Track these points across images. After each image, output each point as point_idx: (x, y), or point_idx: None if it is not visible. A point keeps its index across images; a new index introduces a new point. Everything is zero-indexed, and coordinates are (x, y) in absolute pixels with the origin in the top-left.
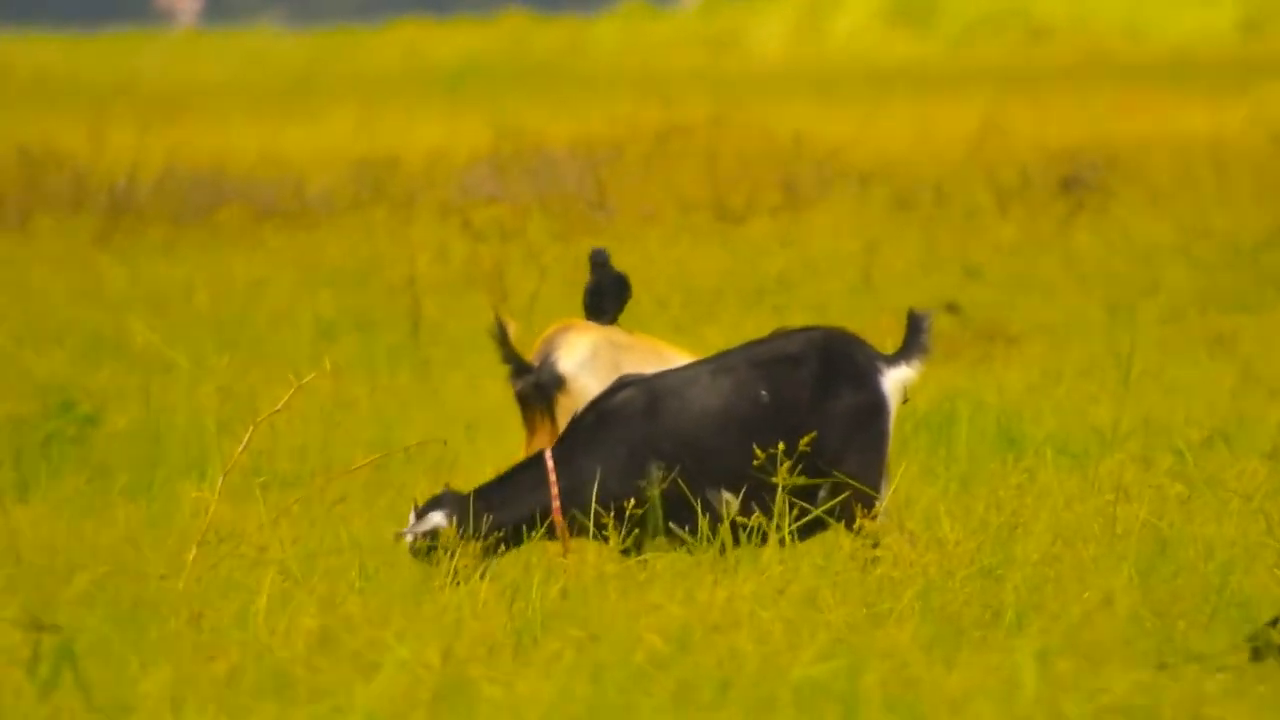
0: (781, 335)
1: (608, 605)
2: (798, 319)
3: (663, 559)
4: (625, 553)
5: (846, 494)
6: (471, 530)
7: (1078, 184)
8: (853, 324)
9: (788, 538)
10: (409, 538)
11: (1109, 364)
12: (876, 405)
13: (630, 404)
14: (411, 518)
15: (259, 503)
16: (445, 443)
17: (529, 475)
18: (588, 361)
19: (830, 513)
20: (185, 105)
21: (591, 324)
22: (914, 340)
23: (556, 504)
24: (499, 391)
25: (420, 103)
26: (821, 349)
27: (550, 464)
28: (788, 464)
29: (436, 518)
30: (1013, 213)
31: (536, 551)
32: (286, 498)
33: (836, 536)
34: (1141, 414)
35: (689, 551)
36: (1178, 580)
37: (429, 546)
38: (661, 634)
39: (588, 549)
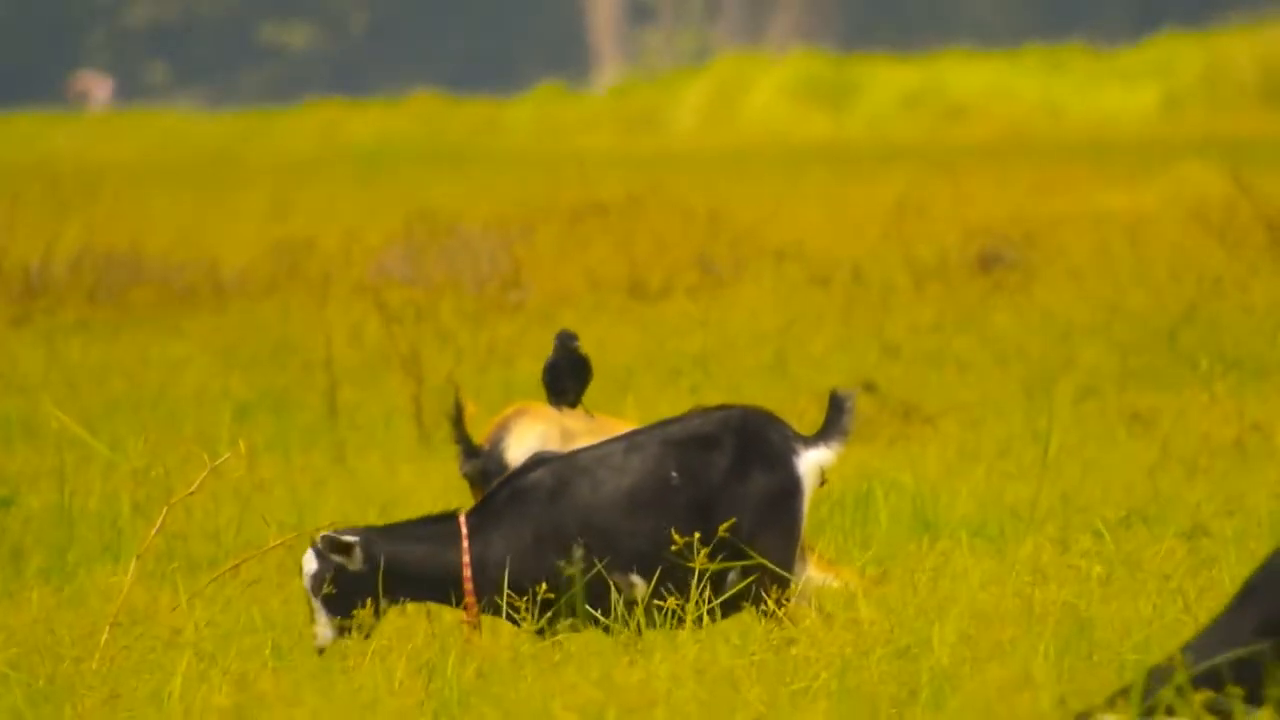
0: (698, 414)
1: (523, 685)
2: (714, 398)
3: (578, 639)
4: (540, 633)
5: (757, 576)
6: (376, 563)
7: (996, 262)
8: (769, 403)
9: (704, 618)
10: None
11: (1026, 443)
12: (791, 487)
13: (540, 484)
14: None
15: (173, 585)
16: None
17: (442, 530)
18: (535, 450)
19: (745, 595)
20: (100, 186)
21: (546, 409)
22: (835, 421)
23: (468, 571)
24: (414, 473)
25: (335, 184)
26: (737, 429)
27: (464, 528)
28: (706, 549)
29: (350, 538)
30: (930, 291)
31: (453, 632)
32: (200, 579)
33: (752, 617)
34: (1059, 493)
35: (605, 631)
36: (1095, 659)
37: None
38: (577, 714)
39: (501, 628)
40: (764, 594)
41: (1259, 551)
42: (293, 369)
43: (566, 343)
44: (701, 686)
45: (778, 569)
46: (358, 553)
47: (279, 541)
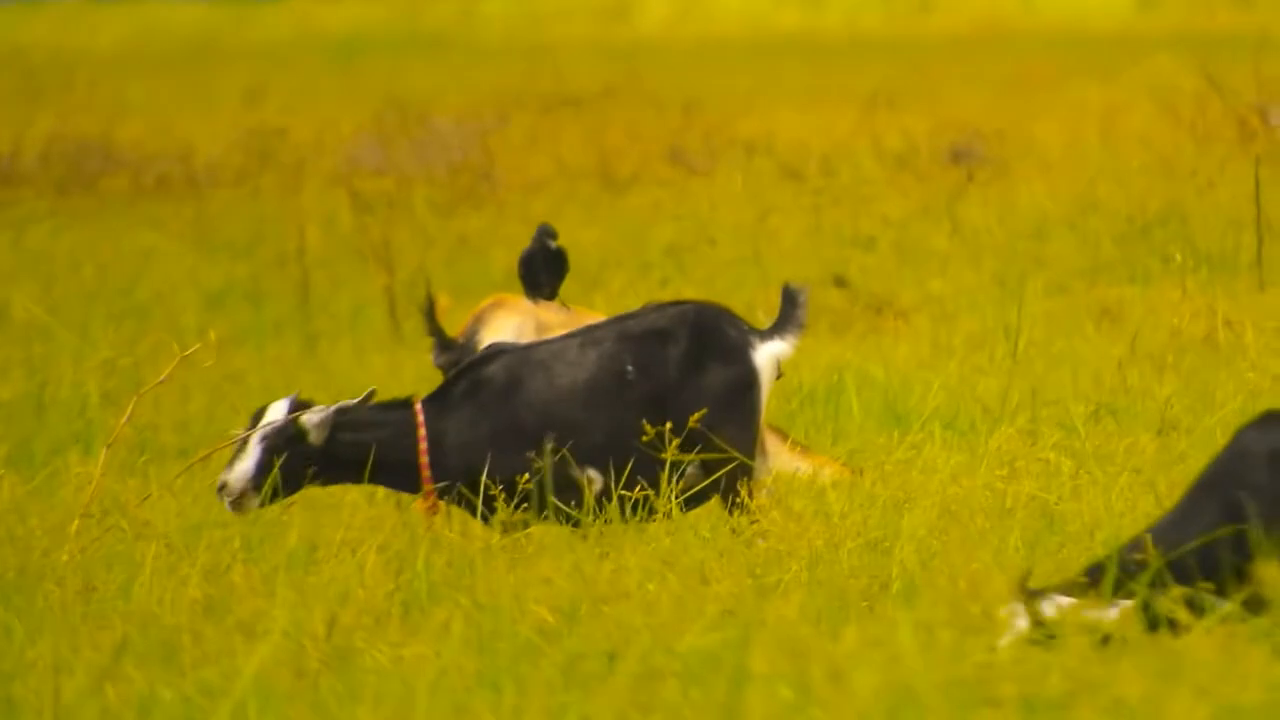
0: (653, 308)
1: (495, 577)
2: (686, 291)
3: (549, 532)
4: (505, 526)
5: (720, 468)
6: (324, 437)
7: (967, 156)
8: (741, 296)
9: (675, 511)
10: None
11: (998, 337)
12: (747, 379)
13: (495, 377)
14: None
15: (143, 475)
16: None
17: (397, 415)
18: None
19: (708, 488)
20: (74, 75)
21: (522, 301)
22: (789, 314)
23: (425, 458)
24: (385, 364)
25: (309, 73)
26: (693, 323)
27: (420, 414)
28: (676, 440)
29: (279, 413)
30: (902, 184)
31: (421, 522)
32: (170, 470)
33: (721, 511)
34: (1029, 388)
35: (572, 524)
36: (1064, 553)
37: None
38: (549, 606)
39: (471, 522)
40: (727, 486)
41: None
42: (265, 258)
43: (544, 236)
44: (672, 578)
45: (739, 458)
46: (325, 430)
47: (247, 431)
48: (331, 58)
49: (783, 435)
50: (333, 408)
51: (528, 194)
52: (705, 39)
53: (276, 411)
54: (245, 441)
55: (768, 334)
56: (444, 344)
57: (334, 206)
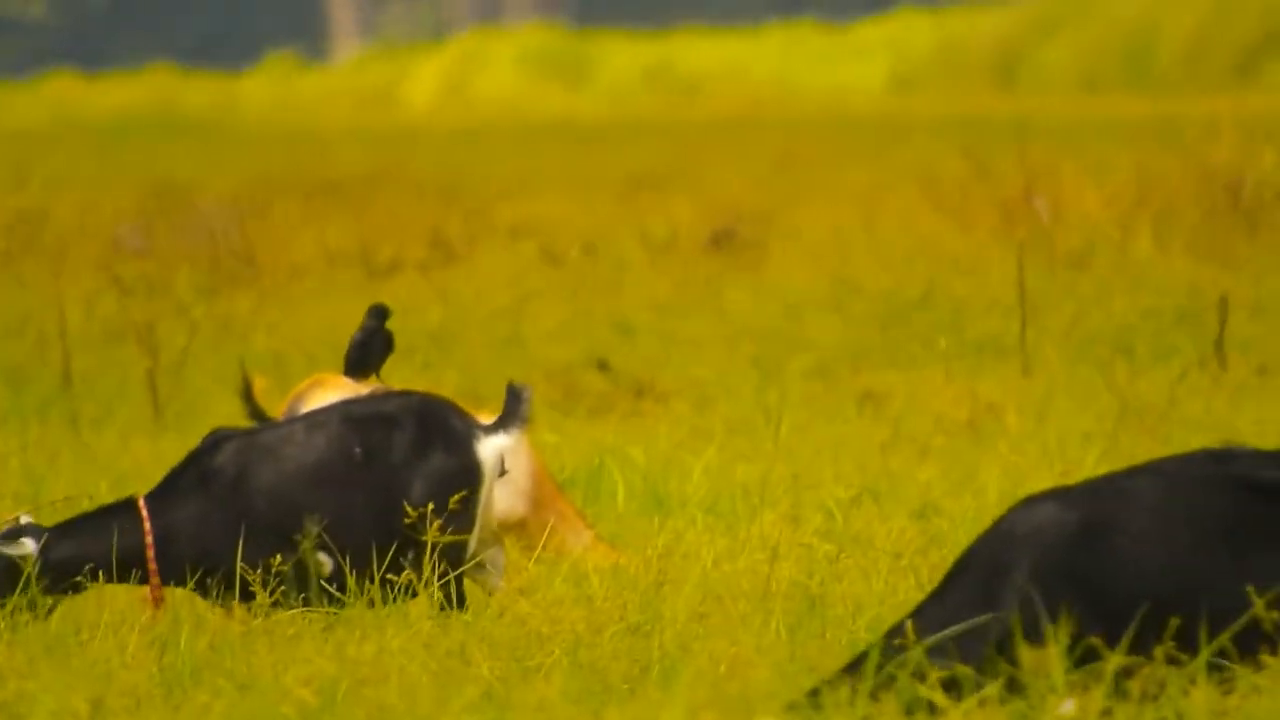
0: (379, 395)
1: (256, 659)
2: (448, 375)
3: (311, 614)
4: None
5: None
6: (53, 562)
7: (729, 239)
8: (501, 380)
9: (436, 594)
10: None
11: (758, 421)
12: (471, 470)
13: (225, 464)
14: None
15: None
16: (91, 498)
17: (120, 519)
18: None
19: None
20: None
21: (342, 380)
22: (513, 410)
23: (150, 551)
24: (149, 447)
25: (72, 156)
26: (418, 411)
27: (144, 510)
28: (436, 523)
29: (28, 543)
30: (663, 267)
31: (185, 605)
32: None
33: (483, 594)
34: (791, 472)
35: (321, 606)
36: (828, 637)
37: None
38: (310, 687)
39: (233, 605)
40: (441, 576)
41: None
42: (28, 340)
43: (380, 317)
44: (432, 660)
45: (458, 549)
46: (32, 558)
47: (13, 516)
48: (93, 140)
49: (575, 510)
50: (46, 531)
51: (291, 278)
52: (467, 124)
53: None
54: None
55: (491, 428)
56: (265, 425)
57: (96, 289)
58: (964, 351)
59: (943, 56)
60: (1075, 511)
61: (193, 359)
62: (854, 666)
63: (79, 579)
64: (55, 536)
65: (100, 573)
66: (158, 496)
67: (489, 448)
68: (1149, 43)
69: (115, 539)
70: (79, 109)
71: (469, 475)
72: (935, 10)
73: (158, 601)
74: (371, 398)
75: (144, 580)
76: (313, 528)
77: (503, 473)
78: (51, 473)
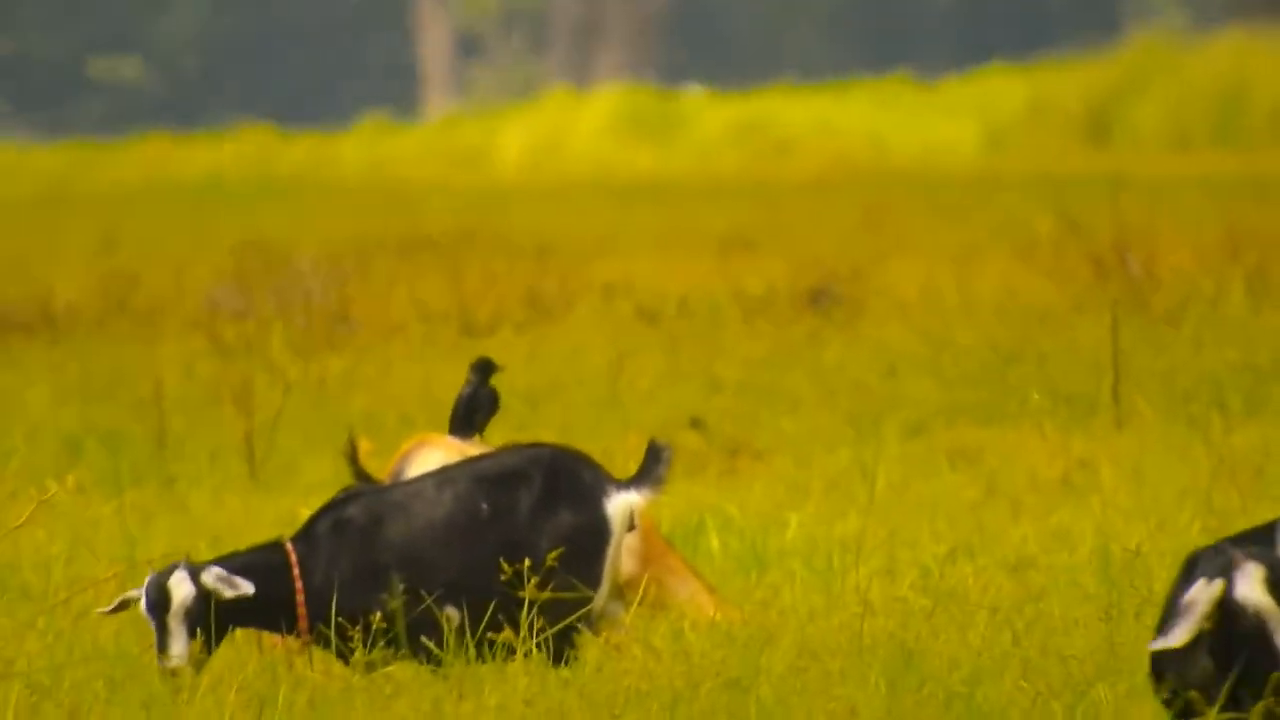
0: (508, 450)
1: (354, 717)
2: (543, 434)
3: (408, 672)
4: (368, 666)
5: (579, 611)
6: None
7: (823, 297)
8: (598, 439)
9: (534, 651)
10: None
11: (854, 478)
12: (599, 526)
13: (357, 516)
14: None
15: (4, 616)
16: (189, 555)
17: (270, 557)
18: None
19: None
20: None
21: (447, 440)
22: (650, 469)
23: (301, 597)
24: (244, 506)
25: (165, 217)
26: (547, 466)
27: (292, 553)
28: (535, 579)
29: (243, 584)
30: (758, 326)
31: (283, 663)
32: (32, 611)
33: (582, 650)
34: (887, 528)
35: (435, 664)
36: (924, 691)
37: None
38: None
39: (331, 660)
40: (564, 631)
41: (1089, 585)
42: (123, 403)
43: (485, 372)
44: (533, 717)
45: (581, 605)
46: (229, 582)
47: (110, 575)
48: (186, 201)
49: (685, 564)
50: (214, 564)
51: (386, 337)
52: (559, 182)
53: (177, 582)
54: (164, 624)
55: (625, 484)
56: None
57: (192, 350)
58: (1057, 407)
59: (1034, 113)
60: None
61: (288, 419)
62: None
63: (241, 616)
64: (217, 573)
65: (252, 617)
66: (298, 541)
67: (618, 503)
68: (1239, 100)
69: (269, 582)
70: (173, 169)
71: (596, 530)
72: (1026, 68)
73: (305, 644)
74: (501, 452)
75: (281, 626)
76: (434, 584)
77: (631, 527)
78: (147, 533)
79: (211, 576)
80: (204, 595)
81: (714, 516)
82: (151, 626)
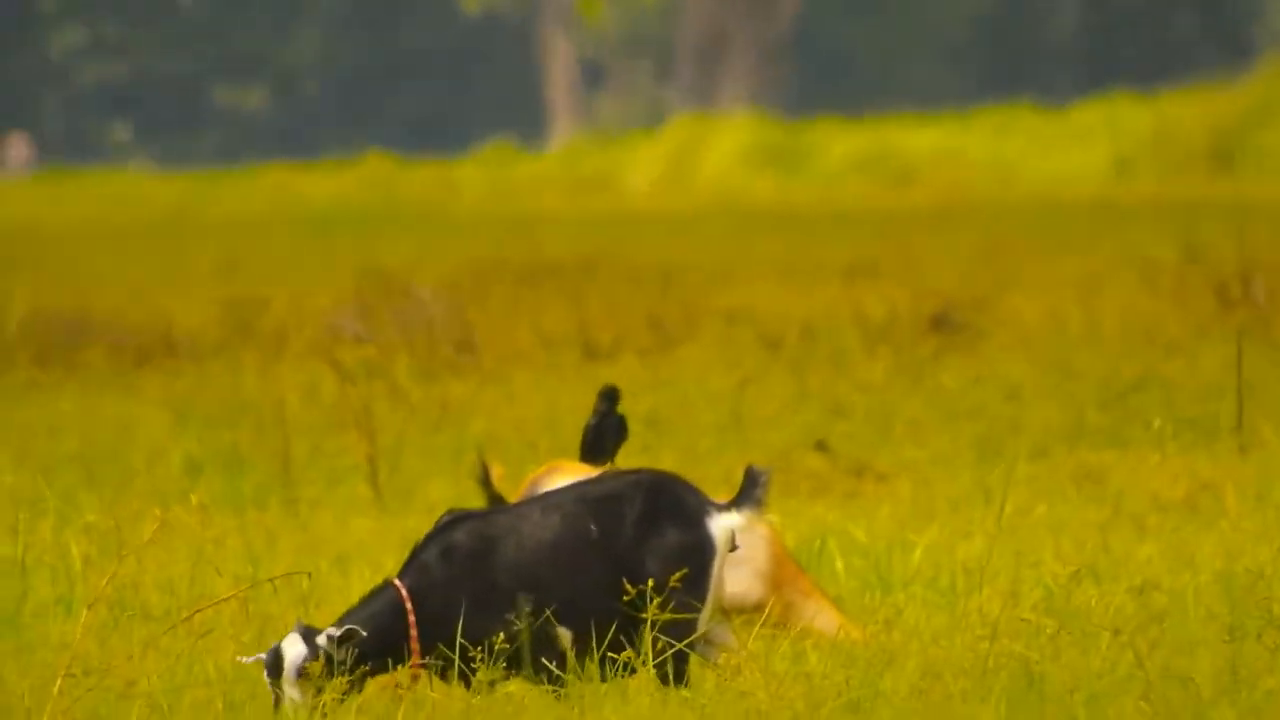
0: (611, 475)
1: None
2: (667, 459)
3: (529, 692)
4: (491, 685)
5: (676, 636)
6: (336, 664)
7: (945, 324)
8: (722, 463)
9: (650, 671)
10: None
11: (977, 501)
12: (703, 546)
13: (464, 542)
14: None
15: (126, 636)
16: (310, 575)
17: (384, 602)
18: None
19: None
20: (46, 248)
21: (578, 466)
22: (749, 492)
23: (414, 631)
24: (368, 527)
25: (286, 245)
26: (648, 488)
27: (405, 595)
28: (658, 599)
29: (299, 648)
30: (880, 352)
31: (403, 682)
32: (153, 630)
33: (702, 670)
34: (1011, 551)
35: (555, 684)
36: (1046, 713)
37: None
38: None
39: (452, 682)
40: (668, 651)
41: (1212, 606)
42: (245, 427)
43: (612, 400)
44: None
45: (694, 625)
46: (343, 644)
47: (231, 594)
48: (307, 229)
49: (818, 588)
50: (334, 629)
51: (509, 363)
52: (682, 210)
53: (289, 644)
54: (279, 687)
55: (725, 506)
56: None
57: (313, 375)
58: (1180, 432)
59: (1159, 141)
60: None
61: (410, 443)
62: None
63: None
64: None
65: (373, 662)
66: (406, 575)
67: (720, 524)
68: None
69: (385, 631)
70: (295, 197)
71: (700, 550)
72: (1151, 95)
73: (415, 679)
74: (603, 477)
75: (401, 662)
76: (547, 605)
77: (734, 548)
78: (271, 552)
79: (324, 639)
80: (318, 652)
81: (838, 538)
82: (270, 689)
